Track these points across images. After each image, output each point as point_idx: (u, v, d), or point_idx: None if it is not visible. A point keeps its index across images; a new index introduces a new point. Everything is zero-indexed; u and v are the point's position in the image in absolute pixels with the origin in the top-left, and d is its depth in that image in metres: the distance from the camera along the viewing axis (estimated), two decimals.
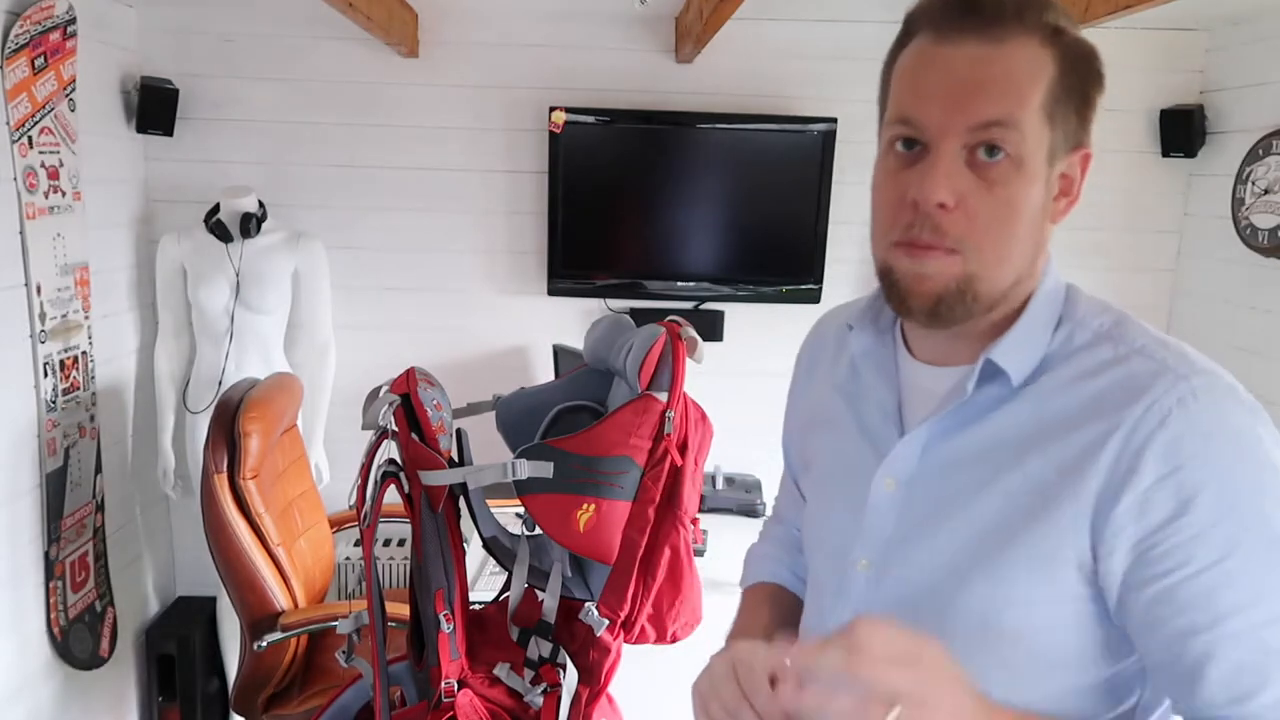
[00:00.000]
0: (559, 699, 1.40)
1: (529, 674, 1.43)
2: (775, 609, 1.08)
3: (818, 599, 0.97)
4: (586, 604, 1.43)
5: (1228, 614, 0.70)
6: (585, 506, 1.35)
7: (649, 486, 1.39)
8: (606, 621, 1.41)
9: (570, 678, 1.43)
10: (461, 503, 1.44)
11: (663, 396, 1.39)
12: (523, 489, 1.35)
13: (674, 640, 1.51)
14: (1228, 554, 0.70)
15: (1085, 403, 0.76)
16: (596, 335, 1.60)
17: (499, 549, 1.47)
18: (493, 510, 1.47)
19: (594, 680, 1.44)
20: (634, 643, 1.48)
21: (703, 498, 2.87)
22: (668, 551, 1.44)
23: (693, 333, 1.46)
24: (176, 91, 2.82)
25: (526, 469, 1.34)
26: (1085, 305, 0.84)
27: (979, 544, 0.79)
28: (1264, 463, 0.72)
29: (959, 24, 0.76)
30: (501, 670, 1.41)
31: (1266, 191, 2.56)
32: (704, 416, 1.49)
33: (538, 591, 1.46)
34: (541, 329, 3.04)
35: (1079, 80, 0.78)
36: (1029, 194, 0.77)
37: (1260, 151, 2.59)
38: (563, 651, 1.45)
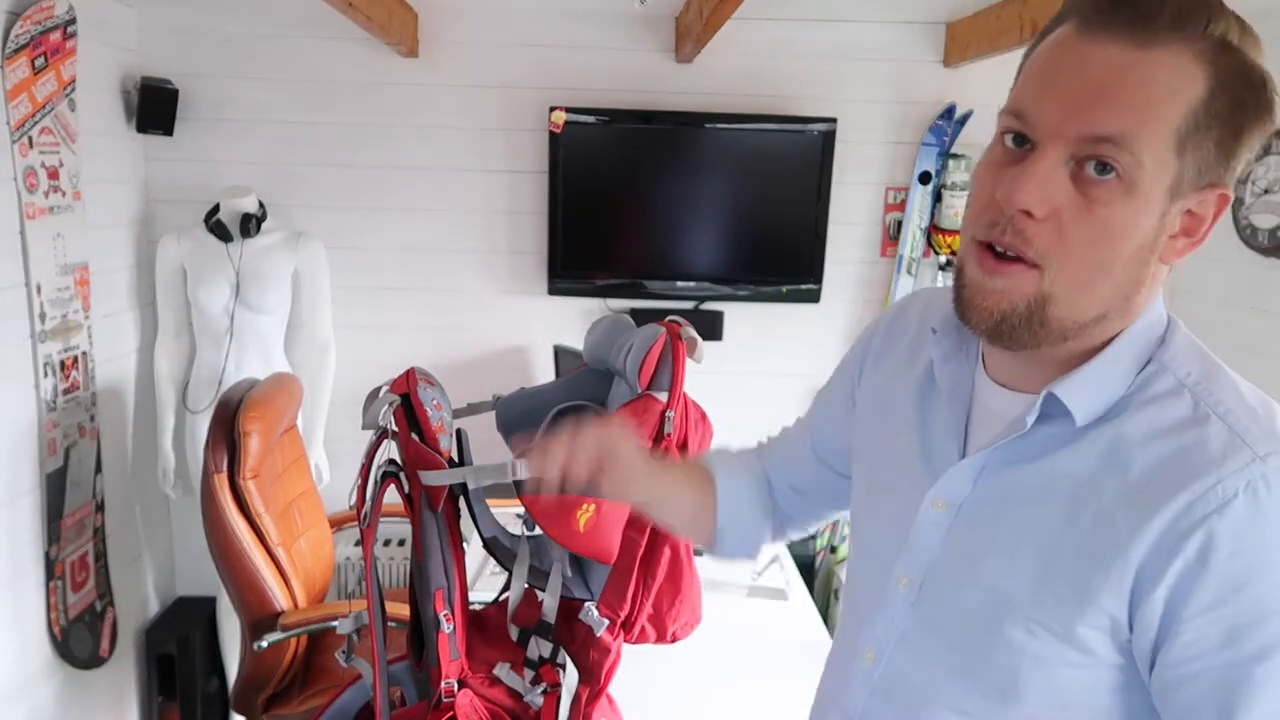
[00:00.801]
0: (559, 699, 1.40)
1: (529, 674, 1.43)
2: (688, 478, 1.09)
3: (854, 603, 0.94)
4: (586, 604, 1.43)
5: (1239, 708, 0.67)
6: (585, 507, 1.35)
7: None
8: (606, 621, 1.41)
9: (570, 677, 1.43)
10: (461, 503, 1.44)
11: (663, 396, 1.39)
12: (522, 489, 1.35)
13: (674, 640, 1.51)
14: (1262, 656, 0.66)
15: (1150, 465, 0.70)
16: (596, 335, 1.60)
17: (499, 549, 1.47)
18: (493, 510, 1.47)
19: (594, 680, 1.44)
20: (634, 642, 1.48)
21: None
22: (668, 551, 1.44)
23: (693, 332, 1.46)
24: (176, 91, 2.82)
25: (526, 469, 1.34)
26: (1179, 347, 0.75)
27: (1017, 590, 0.75)
28: None
29: (1108, 16, 0.68)
30: (501, 670, 1.41)
31: (1266, 191, 2.56)
32: (704, 416, 1.49)
33: (537, 591, 1.46)
34: (541, 329, 3.04)
35: (1231, 108, 0.68)
36: (1134, 224, 0.69)
37: (1260, 151, 2.60)
38: (563, 651, 1.45)
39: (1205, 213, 0.72)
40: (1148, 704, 0.74)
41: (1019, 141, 0.71)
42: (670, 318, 1.50)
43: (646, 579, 1.43)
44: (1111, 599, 0.70)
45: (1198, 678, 0.68)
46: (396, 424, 1.38)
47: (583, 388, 1.58)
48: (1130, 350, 0.75)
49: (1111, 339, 0.75)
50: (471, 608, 1.50)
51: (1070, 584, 0.72)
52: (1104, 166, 0.68)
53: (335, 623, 1.60)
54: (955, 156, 2.92)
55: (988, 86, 2.89)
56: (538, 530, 1.41)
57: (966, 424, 0.84)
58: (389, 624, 1.57)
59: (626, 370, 1.44)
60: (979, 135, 2.90)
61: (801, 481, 1.10)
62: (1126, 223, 0.69)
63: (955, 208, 2.89)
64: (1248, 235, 2.63)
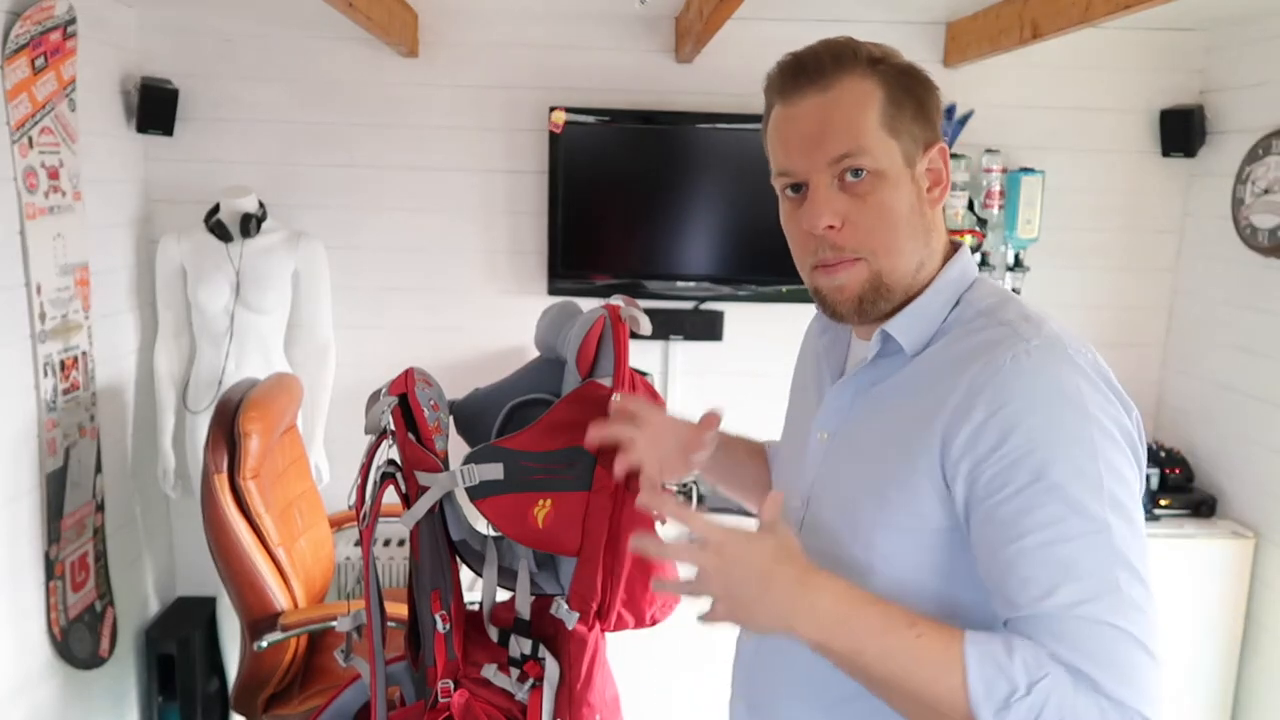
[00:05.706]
0: (544, 693, 1.39)
1: (515, 672, 1.42)
2: (750, 447, 1.35)
3: None
4: (556, 598, 1.42)
5: (1027, 532, 0.84)
6: (541, 503, 1.33)
7: (603, 474, 1.35)
8: (577, 614, 1.39)
9: (551, 670, 1.42)
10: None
11: (606, 382, 1.36)
12: (475, 494, 1.33)
13: (654, 623, 1.47)
14: (1033, 481, 0.84)
15: (949, 362, 0.92)
16: (545, 324, 1.56)
17: (467, 552, 1.45)
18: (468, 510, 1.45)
19: (575, 672, 1.43)
20: (613, 630, 1.44)
21: (701, 497, 2.87)
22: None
23: (635, 311, 1.41)
24: (176, 91, 2.82)
25: (476, 474, 1.32)
26: (979, 290, 0.99)
27: (866, 479, 0.97)
28: (1079, 412, 0.85)
29: (795, 86, 0.95)
30: (488, 671, 1.41)
31: (1266, 191, 2.56)
32: (654, 394, 1.45)
33: (510, 591, 1.45)
34: None
35: (906, 92, 0.95)
36: (898, 196, 0.94)
37: (1260, 151, 2.59)
38: (543, 646, 1.44)
39: (938, 165, 0.98)
40: (960, 569, 0.91)
41: (795, 189, 0.97)
42: (614, 297, 1.46)
43: (614, 566, 1.39)
44: (927, 459, 0.90)
45: (999, 507, 0.86)
46: (394, 424, 1.38)
47: (536, 381, 1.53)
48: (941, 294, 0.98)
49: (927, 285, 0.98)
50: (469, 608, 1.50)
51: (900, 457, 0.93)
52: (856, 171, 0.93)
53: (335, 622, 1.60)
54: (956, 156, 2.92)
55: (988, 87, 2.89)
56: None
57: (843, 371, 1.09)
58: (388, 624, 1.56)
59: (568, 358, 1.42)
60: (979, 135, 2.90)
61: None
62: (892, 197, 0.94)
63: (955, 208, 2.89)
64: (1248, 235, 2.62)
